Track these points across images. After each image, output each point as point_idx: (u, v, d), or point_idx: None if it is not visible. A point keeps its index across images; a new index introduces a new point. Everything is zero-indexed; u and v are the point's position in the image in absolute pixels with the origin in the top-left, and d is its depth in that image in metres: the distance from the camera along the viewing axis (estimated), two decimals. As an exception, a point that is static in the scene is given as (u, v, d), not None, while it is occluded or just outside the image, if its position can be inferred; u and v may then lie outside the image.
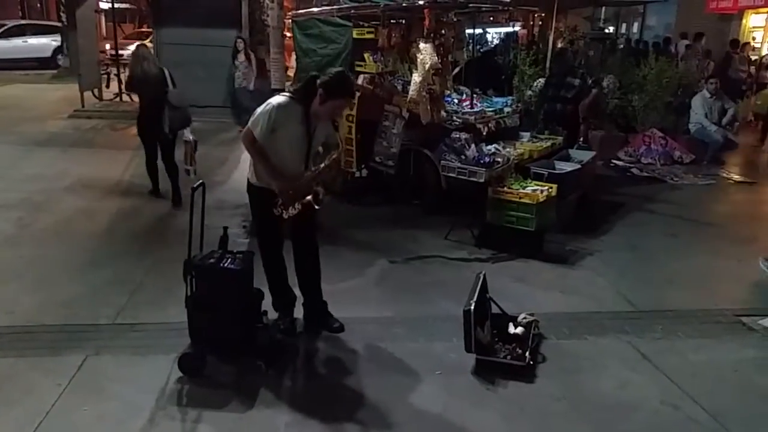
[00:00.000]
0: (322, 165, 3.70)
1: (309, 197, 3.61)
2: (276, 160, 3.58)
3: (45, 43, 20.19)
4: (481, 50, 11.17)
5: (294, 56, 8.85)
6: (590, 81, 8.02)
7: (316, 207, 3.67)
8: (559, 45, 10.38)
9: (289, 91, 3.83)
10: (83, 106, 11.91)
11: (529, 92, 8.89)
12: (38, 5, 27.58)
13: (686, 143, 9.14)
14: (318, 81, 3.55)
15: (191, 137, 6.29)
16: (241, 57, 10.54)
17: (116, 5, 16.40)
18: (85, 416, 3.15)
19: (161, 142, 6.39)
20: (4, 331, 3.94)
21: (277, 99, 3.57)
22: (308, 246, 3.95)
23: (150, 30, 21.80)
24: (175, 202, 6.43)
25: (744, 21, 16.09)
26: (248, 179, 3.78)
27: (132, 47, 8.05)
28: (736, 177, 8.31)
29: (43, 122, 10.95)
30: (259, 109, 3.55)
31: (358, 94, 6.30)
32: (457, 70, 8.66)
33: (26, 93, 14.73)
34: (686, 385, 3.52)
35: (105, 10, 19.97)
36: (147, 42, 9.18)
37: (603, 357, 3.82)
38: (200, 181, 3.56)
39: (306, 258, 3.96)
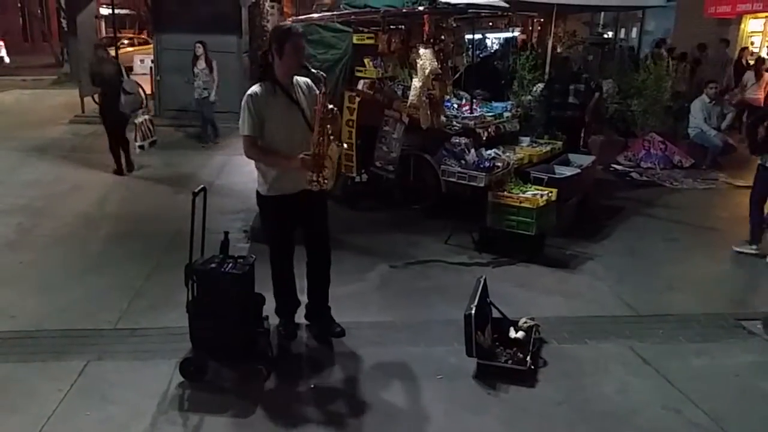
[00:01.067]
0: (317, 107, 3.47)
1: (332, 146, 3.53)
2: (282, 151, 3.54)
3: None
4: (481, 55, 11.19)
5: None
6: (593, 84, 8.06)
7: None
8: (559, 51, 10.41)
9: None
10: (83, 112, 11.90)
11: (529, 97, 8.90)
12: (38, 11, 27.69)
13: (686, 148, 9.14)
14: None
15: (143, 118, 7.96)
16: (201, 64, 9.45)
17: (116, 11, 16.45)
18: (88, 421, 3.15)
19: (118, 122, 7.80)
20: (6, 336, 3.95)
21: (248, 91, 3.56)
22: (322, 253, 3.93)
23: (119, 36, 21.78)
24: (128, 169, 7.99)
25: (742, 26, 16.12)
26: (257, 191, 3.75)
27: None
28: (736, 181, 8.31)
29: (43, 128, 10.97)
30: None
31: (358, 99, 6.33)
32: (457, 75, 8.70)
33: (26, 99, 14.78)
34: (687, 389, 3.53)
35: (105, 16, 20.05)
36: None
37: (604, 361, 3.82)
38: (201, 186, 3.56)
39: (320, 265, 3.94)
